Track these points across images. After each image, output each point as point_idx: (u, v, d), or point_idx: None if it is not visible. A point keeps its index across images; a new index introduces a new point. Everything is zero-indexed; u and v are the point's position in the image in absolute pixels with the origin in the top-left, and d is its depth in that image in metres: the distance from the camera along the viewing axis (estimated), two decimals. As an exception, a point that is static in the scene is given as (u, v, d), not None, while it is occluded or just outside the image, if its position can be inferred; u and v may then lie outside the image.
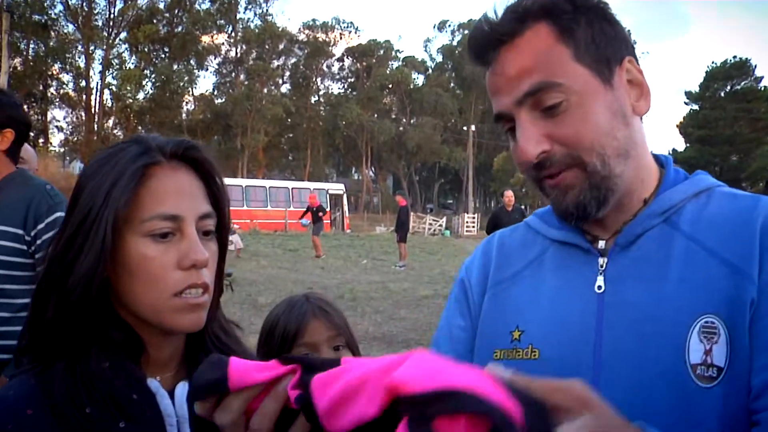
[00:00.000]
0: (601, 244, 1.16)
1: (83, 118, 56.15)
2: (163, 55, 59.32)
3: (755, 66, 63.41)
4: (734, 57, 63.76)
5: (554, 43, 1.08)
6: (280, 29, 62.84)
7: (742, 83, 63.37)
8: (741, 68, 63.01)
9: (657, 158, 1.23)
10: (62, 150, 59.54)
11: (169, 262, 1.10)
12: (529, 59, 1.08)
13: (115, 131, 56.21)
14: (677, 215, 1.12)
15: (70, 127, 58.24)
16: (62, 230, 1.13)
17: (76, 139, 56.56)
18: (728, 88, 64.00)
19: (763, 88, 62.09)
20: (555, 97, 1.07)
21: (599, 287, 1.12)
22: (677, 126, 67.47)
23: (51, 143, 57.55)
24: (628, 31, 1.20)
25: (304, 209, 24.55)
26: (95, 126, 54.22)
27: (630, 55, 1.14)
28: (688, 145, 64.88)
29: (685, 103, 67.88)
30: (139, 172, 1.09)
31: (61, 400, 1.05)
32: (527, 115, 1.10)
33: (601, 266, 1.14)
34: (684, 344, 1.01)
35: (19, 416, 1.05)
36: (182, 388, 1.17)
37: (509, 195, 13.42)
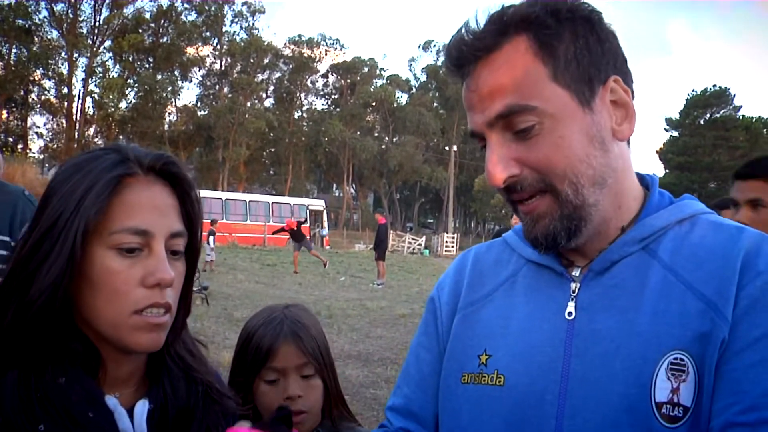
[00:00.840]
0: (576, 270, 1.12)
1: (64, 125, 55.76)
2: (147, 65, 59.07)
3: (734, 95, 64.32)
4: (714, 86, 64.63)
5: (531, 60, 1.02)
6: (265, 43, 62.83)
7: (721, 111, 64.19)
8: (720, 97, 63.85)
9: (642, 178, 1.18)
10: (41, 156, 58.98)
11: (133, 278, 1.06)
12: (504, 77, 1.02)
13: (96, 140, 55.79)
14: (656, 243, 1.07)
15: (50, 133, 57.79)
16: (29, 234, 1.08)
17: (56, 146, 56.04)
18: (708, 116, 64.77)
19: (741, 117, 62.98)
20: (527, 120, 1.01)
21: (569, 313, 1.08)
22: (657, 152, 68.10)
23: (30, 149, 57.02)
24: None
25: (280, 228, 24.66)
26: (76, 134, 53.80)
27: (617, 74, 1.07)
28: (667, 171, 65.36)
29: (665, 130, 68.62)
30: (113, 182, 1.06)
31: (13, 414, 0.99)
32: (498, 137, 1.05)
33: (573, 292, 1.10)
34: (650, 381, 0.97)
35: None
36: (142, 407, 1.12)
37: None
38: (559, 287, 1.12)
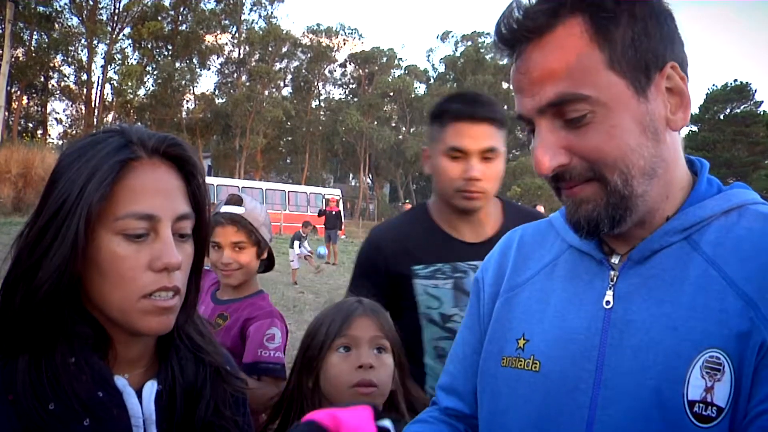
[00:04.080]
0: (616, 258, 1.09)
1: (83, 111, 56.01)
2: (165, 53, 59.17)
3: (755, 90, 63.68)
4: (735, 80, 63.91)
5: (587, 45, 0.97)
6: (284, 32, 62.69)
7: (742, 107, 63.47)
8: (741, 92, 63.11)
9: (691, 163, 1.13)
10: (61, 142, 59.35)
11: (140, 263, 1.06)
12: (557, 62, 0.98)
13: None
14: (700, 234, 1.03)
15: (70, 120, 58.13)
16: (35, 218, 1.08)
17: (75, 132, 56.31)
18: (728, 111, 64.06)
19: (762, 113, 62.19)
20: (579, 109, 0.98)
21: (607, 302, 1.06)
22: (675, 147, 67.55)
23: (50, 135, 57.43)
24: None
25: (317, 213, 24.44)
26: (95, 120, 53.99)
27: (675, 60, 1.01)
28: (685, 166, 64.79)
29: (685, 125, 68.01)
30: (116, 167, 1.05)
31: (24, 394, 1.01)
32: (547, 124, 1.02)
33: (612, 280, 1.07)
34: (684, 378, 0.93)
35: None
36: (150, 388, 1.14)
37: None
38: (598, 275, 1.10)
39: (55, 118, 59.10)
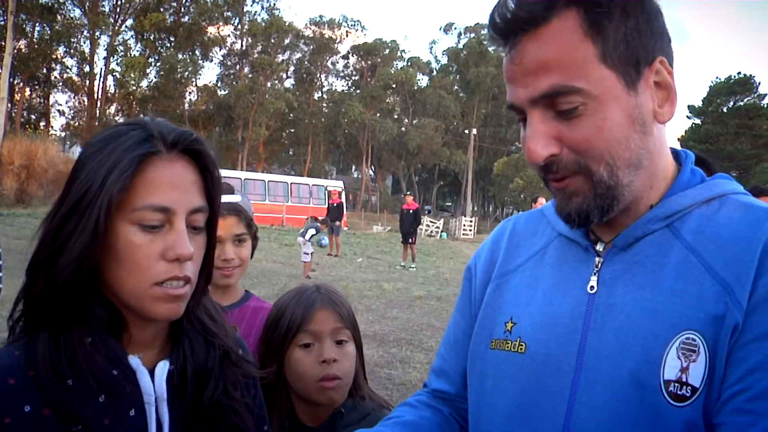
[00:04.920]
0: (601, 245, 1.14)
1: (86, 103, 56.03)
2: (168, 44, 59.21)
3: (759, 83, 63.37)
4: (738, 73, 63.79)
5: (581, 38, 0.99)
6: (286, 24, 62.65)
7: (745, 100, 63.39)
8: (744, 84, 63.03)
9: (676, 154, 1.18)
10: (63, 134, 59.47)
11: (154, 253, 1.12)
12: (551, 54, 1.00)
13: (117, 117, 56.06)
14: (681, 221, 1.07)
15: (72, 111, 58.15)
16: (59, 205, 1.14)
17: (77, 123, 56.44)
18: (731, 104, 63.99)
19: (765, 106, 62.13)
20: (572, 101, 1.00)
21: (591, 287, 1.10)
22: (678, 139, 67.43)
23: (52, 127, 57.53)
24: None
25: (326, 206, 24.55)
26: (97, 112, 54.09)
27: (663, 54, 1.05)
28: (688, 158, 64.68)
29: (687, 117, 67.90)
30: (136, 160, 1.10)
31: (44, 371, 1.09)
32: (540, 115, 1.04)
33: (597, 266, 1.11)
34: (660, 359, 0.97)
35: (1, 385, 1.09)
36: (162, 367, 1.20)
37: (542, 202, 13.35)
38: (584, 261, 1.14)
39: (58, 110, 59.82)
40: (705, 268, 1.00)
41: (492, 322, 1.24)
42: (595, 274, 1.11)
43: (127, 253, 1.12)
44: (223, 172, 1.28)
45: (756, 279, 0.95)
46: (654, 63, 1.04)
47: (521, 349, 1.15)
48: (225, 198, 2.11)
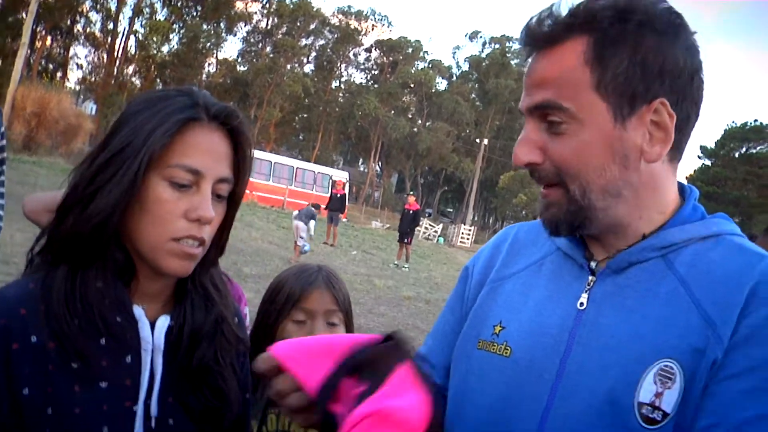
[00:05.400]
0: (594, 263, 1.19)
1: (104, 60, 55.93)
2: (194, 13, 59.12)
3: (774, 133, 63.35)
4: (755, 120, 63.82)
5: (581, 63, 1.07)
6: (314, 9, 62.67)
7: (758, 148, 63.39)
8: (759, 132, 63.00)
9: (682, 189, 1.23)
10: (78, 88, 59.45)
11: (178, 210, 1.20)
12: (552, 72, 1.09)
13: (133, 79, 56.21)
14: (675, 254, 1.12)
15: (90, 66, 58.06)
16: (97, 152, 1.22)
17: (93, 79, 56.42)
18: (743, 150, 64.02)
19: (777, 157, 62.09)
20: (558, 117, 1.08)
21: (581, 304, 1.15)
22: (687, 178, 67.49)
23: (68, 79, 57.50)
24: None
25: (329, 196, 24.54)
26: (115, 70, 54.10)
27: (669, 95, 1.08)
28: (693, 198, 64.69)
29: (699, 157, 67.94)
30: (180, 123, 1.19)
31: (57, 303, 1.16)
32: (533, 123, 1.13)
33: (589, 284, 1.16)
34: (638, 381, 1.02)
35: (12, 313, 1.16)
36: (163, 321, 1.28)
37: None
38: (578, 278, 1.19)
39: (76, 63, 59.36)
40: (693, 302, 1.05)
41: (481, 324, 1.29)
42: (586, 292, 1.16)
43: (154, 206, 1.19)
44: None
45: (740, 319, 1.00)
46: (653, 102, 1.07)
47: (506, 353, 1.20)
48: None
